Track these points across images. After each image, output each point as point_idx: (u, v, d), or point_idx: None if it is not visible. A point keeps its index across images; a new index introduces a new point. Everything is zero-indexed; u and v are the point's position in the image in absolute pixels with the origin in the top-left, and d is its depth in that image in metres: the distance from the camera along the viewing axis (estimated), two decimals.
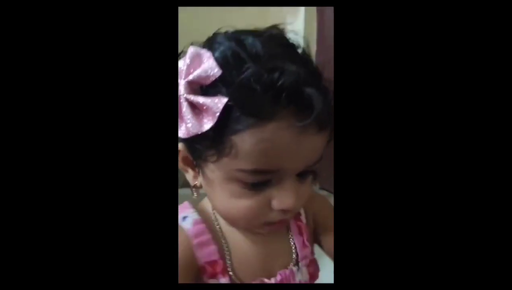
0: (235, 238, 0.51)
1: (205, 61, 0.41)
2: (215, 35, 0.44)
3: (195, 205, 0.52)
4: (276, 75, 0.38)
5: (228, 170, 0.42)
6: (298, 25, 1.48)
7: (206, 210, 0.52)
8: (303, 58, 0.44)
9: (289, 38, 0.45)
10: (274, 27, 0.46)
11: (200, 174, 0.47)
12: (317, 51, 1.45)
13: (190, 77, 0.41)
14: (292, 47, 0.45)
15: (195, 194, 0.49)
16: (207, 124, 0.40)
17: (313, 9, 1.54)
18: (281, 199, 0.43)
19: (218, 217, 0.51)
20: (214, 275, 0.49)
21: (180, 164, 0.47)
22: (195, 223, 0.50)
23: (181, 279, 0.45)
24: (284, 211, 0.44)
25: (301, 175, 0.44)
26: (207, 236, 0.49)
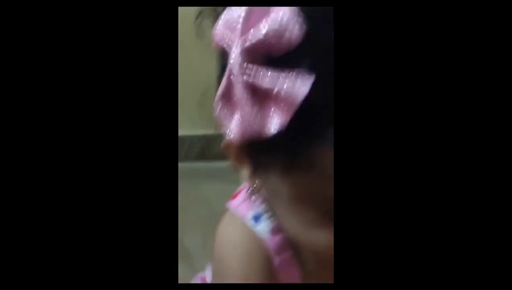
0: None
1: (274, 10, 0.25)
2: None
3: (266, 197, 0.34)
4: None
5: (304, 188, 0.29)
6: None
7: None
8: None
9: None
10: None
11: (261, 179, 0.33)
12: None
13: (249, 40, 0.25)
14: None
15: (251, 189, 0.34)
16: (277, 123, 0.25)
17: None
18: None
19: None
20: None
21: (232, 159, 0.34)
22: (274, 231, 0.36)
23: None
24: None
25: None
26: (289, 253, 0.36)
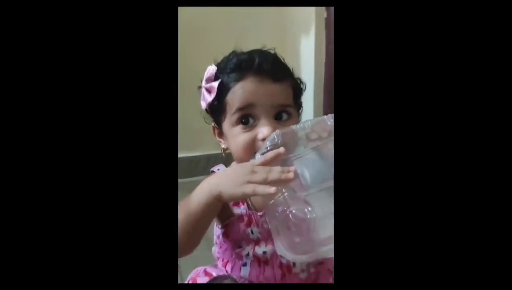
0: None
1: (210, 69, 0.69)
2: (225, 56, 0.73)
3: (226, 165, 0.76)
4: (239, 57, 0.67)
5: (229, 118, 0.66)
6: (310, 39, 1.68)
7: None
8: (263, 50, 0.70)
9: (270, 49, 0.71)
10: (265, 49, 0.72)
11: (225, 139, 0.70)
12: (326, 62, 1.66)
13: (205, 77, 0.69)
14: (259, 50, 0.70)
15: (224, 155, 0.73)
16: (213, 95, 0.67)
17: (322, 27, 1.61)
18: (261, 130, 0.63)
19: None
20: (236, 203, 0.68)
21: (216, 138, 0.74)
22: (224, 170, 0.71)
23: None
24: (265, 139, 0.62)
25: (277, 117, 0.65)
26: None
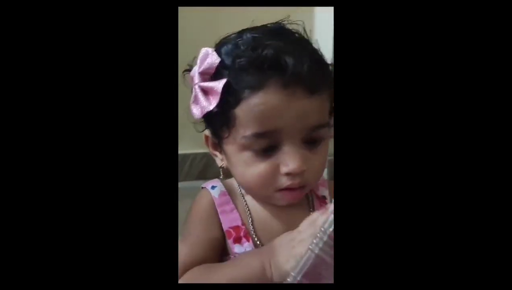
0: (259, 208, 0.56)
1: (209, 56, 0.50)
2: (228, 36, 0.53)
3: (223, 181, 0.59)
4: (259, 50, 0.47)
5: (237, 141, 0.49)
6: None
7: (232, 185, 0.58)
8: (291, 35, 0.51)
9: (286, 27, 0.52)
10: (277, 22, 0.53)
11: (224, 155, 0.54)
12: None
13: (200, 69, 0.50)
14: (283, 31, 0.51)
15: (221, 175, 0.57)
16: (214, 102, 0.48)
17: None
18: (286, 162, 0.48)
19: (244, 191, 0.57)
20: (238, 239, 0.54)
21: (210, 150, 0.57)
22: (221, 194, 0.56)
23: (206, 233, 0.53)
24: (291, 175, 0.49)
25: (308, 142, 0.49)
26: (230, 206, 0.56)
